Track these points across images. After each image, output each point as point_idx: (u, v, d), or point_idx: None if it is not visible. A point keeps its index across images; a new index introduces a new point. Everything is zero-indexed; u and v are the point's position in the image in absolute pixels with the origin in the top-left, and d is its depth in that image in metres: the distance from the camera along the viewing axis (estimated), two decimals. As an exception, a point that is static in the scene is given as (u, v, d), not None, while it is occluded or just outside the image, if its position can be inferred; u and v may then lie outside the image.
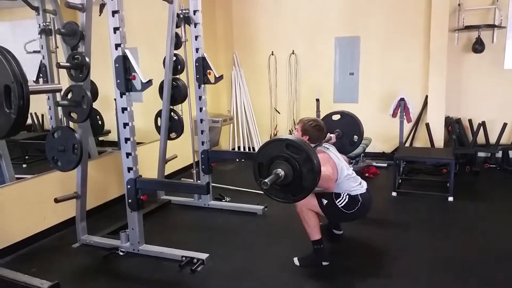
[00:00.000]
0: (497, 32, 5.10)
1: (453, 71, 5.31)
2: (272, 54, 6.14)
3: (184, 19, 3.81)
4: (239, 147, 6.26)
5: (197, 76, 3.86)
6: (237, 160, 5.87)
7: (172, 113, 3.96)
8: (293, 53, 6.02)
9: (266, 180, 2.14)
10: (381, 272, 2.77)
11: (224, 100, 6.30)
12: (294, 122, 6.07)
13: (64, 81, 3.43)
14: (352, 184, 2.83)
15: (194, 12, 3.78)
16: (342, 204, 2.76)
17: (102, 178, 4.00)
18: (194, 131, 4.21)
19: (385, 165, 5.26)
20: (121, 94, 2.83)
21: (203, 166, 3.95)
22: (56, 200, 3.02)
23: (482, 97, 5.35)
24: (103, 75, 3.86)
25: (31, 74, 3.74)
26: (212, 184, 4.12)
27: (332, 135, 3.22)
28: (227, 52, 6.19)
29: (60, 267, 2.94)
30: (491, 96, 5.31)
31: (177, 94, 3.93)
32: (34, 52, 3.83)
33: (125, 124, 2.87)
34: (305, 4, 5.85)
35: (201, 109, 3.92)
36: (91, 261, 3.04)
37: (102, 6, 3.02)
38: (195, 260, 2.87)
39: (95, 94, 3.59)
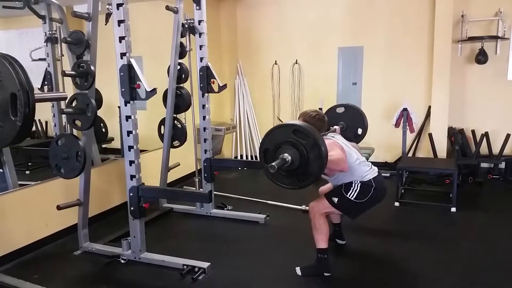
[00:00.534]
0: (500, 43, 5.11)
1: (456, 81, 5.32)
2: (276, 64, 6.17)
3: (189, 29, 3.84)
4: (241, 156, 6.27)
5: (201, 85, 3.88)
6: (240, 168, 5.88)
7: (175, 121, 3.98)
8: (296, 63, 6.05)
9: (273, 164, 2.12)
10: (382, 284, 2.75)
11: (228, 109, 6.33)
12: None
13: (68, 89, 3.46)
14: (364, 168, 2.78)
15: (199, 22, 3.81)
16: (354, 196, 2.71)
17: (104, 185, 4.01)
18: (197, 139, 4.22)
19: (388, 175, 5.24)
20: (126, 103, 2.85)
21: (205, 174, 3.96)
22: (59, 207, 3.02)
23: (485, 108, 5.35)
24: (107, 82, 3.89)
25: (36, 81, 3.78)
26: (214, 192, 4.12)
27: (336, 127, 3.19)
28: (231, 61, 6.23)
29: (61, 274, 2.94)
30: (494, 107, 5.31)
31: (181, 102, 3.96)
32: (40, 59, 3.87)
33: (129, 132, 2.89)
34: (308, 14, 5.89)
35: (204, 118, 3.94)
36: (92, 268, 3.04)
37: (108, 15, 3.06)
38: (197, 269, 2.86)
39: (99, 102, 3.62)
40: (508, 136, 5.03)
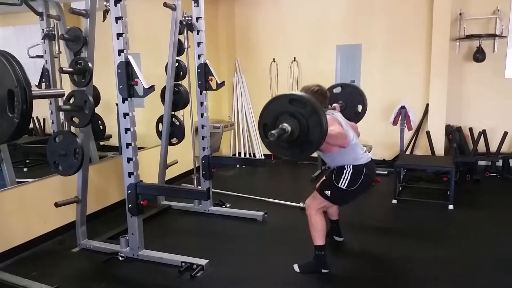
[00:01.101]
0: (498, 41, 5.12)
1: (454, 79, 5.32)
2: (274, 61, 6.16)
3: (187, 26, 3.84)
4: (240, 153, 6.27)
5: (199, 82, 3.88)
6: (238, 166, 5.89)
7: (173, 119, 3.97)
8: (294, 60, 6.05)
9: (273, 132, 2.09)
10: (380, 281, 2.76)
11: (226, 106, 6.32)
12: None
13: (66, 85, 3.46)
14: (358, 150, 2.79)
15: (197, 19, 3.81)
16: (345, 184, 2.72)
17: (102, 182, 4.00)
18: (195, 137, 4.22)
19: (386, 172, 5.26)
20: (123, 100, 2.84)
21: (203, 172, 3.96)
22: (57, 205, 3.02)
23: (483, 106, 5.36)
24: (105, 79, 3.89)
25: (33, 79, 3.77)
26: (213, 189, 4.12)
27: (336, 104, 3.13)
28: (229, 58, 6.22)
29: (60, 271, 2.94)
30: (491, 104, 5.32)
31: (179, 99, 3.95)
32: (37, 56, 3.86)
33: (127, 129, 2.89)
34: (307, 12, 5.89)
35: (202, 115, 3.93)
36: (90, 265, 3.04)
37: (106, 12, 3.04)
38: (195, 266, 2.86)
39: (97, 99, 3.61)
40: (505, 134, 5.05)
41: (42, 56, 3.82)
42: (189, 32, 3.88)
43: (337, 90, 3.39)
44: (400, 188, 4.57)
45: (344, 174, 2.73)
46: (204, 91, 3.89)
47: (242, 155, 6.23)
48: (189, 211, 4.10)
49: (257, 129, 2.23)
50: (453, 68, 5.27)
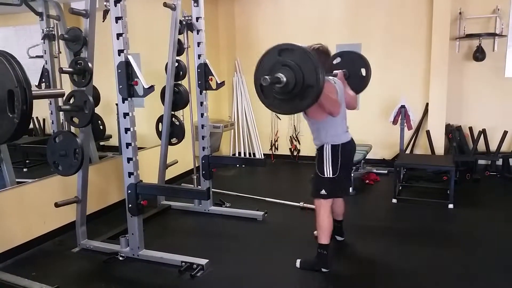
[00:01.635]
0: (498, 40, 5.12)
1: (454, 79, 5.32)
2: (274, 61, 6.15)
3: (187, 26, 3.84)
4: (239, 153, 6.27)
5: (199, 82, 3.88)
6: (238, 165, 5.88)
7: (173, 119, 3.98)
8: (294, 60, 6.04)
9: (266, 76, 2.05)
10: (380, 282, 2.76)
11: (226, 106, 6.32)
12: (294, 128, 6.09)
13: (66, 86, 3.46)
14: (340, 129, 2.77)
15: (197, 19, 3.81)
16: (330, 171, 2.72)
17: (102, 182, 4.01)
18: (195, 137, 4.22)
19: (386, 172, 5.26)
20: (123, 100, 2.84)
21: (203, 172, 3.96)
22: (57, 205, 3.02)
23: (483, 105, 5.36)
24: (104, 79, 3.89)
25: (33, 79, 3.77)
26: (213, 189, 4.12)
27: (338, 71, 3.03)
28: (229, 58, 6.22)
29: (60, 272, 2.94)
30: (491, 104, 5.32)
31: (179, 99, 3.95)
32: (37, 57, 3.86)
33: (127, 129, 2.89)
34: (306, 11, 5.89)
35: (202, 115, 3.93)
36: (90, 265, 3.04)
37: (106, 12, 3.04)
38: (195, 266, 2.87)
39: (97, 99, 3.61)
40: (505, 133, 5.05)
41: (42, 56, 3.82)
42: (189, 32, 3.89)
43: (337, 60, 3.26)
44: (400, 188, 4.57)
45: (324, 158, 2.73)
46: (204, 91, 3.90)
47: (242, 155, 6.23)
48: (189, 211, 4.11)
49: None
50: (453, 67, 5.28)
